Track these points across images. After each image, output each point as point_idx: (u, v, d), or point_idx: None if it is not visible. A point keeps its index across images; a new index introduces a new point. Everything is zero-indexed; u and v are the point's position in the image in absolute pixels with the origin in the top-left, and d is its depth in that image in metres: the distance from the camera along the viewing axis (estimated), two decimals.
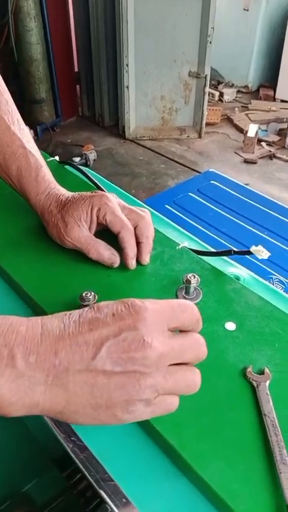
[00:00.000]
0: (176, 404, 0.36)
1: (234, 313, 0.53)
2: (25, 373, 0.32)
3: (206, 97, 3.31)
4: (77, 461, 0.42)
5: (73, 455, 0.43)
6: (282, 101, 4.03)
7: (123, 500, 0.39)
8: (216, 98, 4.12)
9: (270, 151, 3.26)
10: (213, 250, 0.68)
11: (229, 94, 4.11)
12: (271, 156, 3.23)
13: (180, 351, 0.35)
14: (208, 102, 3.47)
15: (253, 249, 0.57)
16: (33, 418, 0.42)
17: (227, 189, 1.18)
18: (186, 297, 0.55)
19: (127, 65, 3.16)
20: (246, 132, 3.25)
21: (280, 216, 1.10)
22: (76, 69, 3.87)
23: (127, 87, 3.28)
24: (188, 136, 3.50)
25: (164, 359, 0.33)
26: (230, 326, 0.51)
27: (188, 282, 0.53)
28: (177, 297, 0.55)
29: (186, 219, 1.10)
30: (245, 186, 1.32)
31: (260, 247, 0.57)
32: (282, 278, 0.93)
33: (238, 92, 4.26)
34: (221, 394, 0.44)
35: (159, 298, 0.54)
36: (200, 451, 0.40)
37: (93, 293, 0.51)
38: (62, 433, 0.45)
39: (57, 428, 0.45)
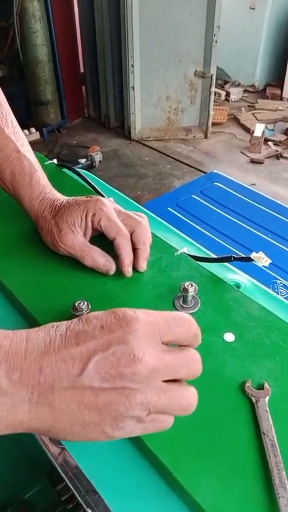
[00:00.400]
0: (171, 423, 0.34)
1: (233, 323, 0.51)
2: (8, 391, 0.30)
3: (212, 97, 3.29)
4: (66, 480, 0.40)
5: (62, 473, 0.41)
6: None
7: None
8: (223, 98, 4.08)
9: (277, 151, 3.22)
10: (213, 256, 0.66)
11: (235, 93, 4.08)
12: (278, 156, 3.20)
13: (173, 367, 0.33)
14: (214, 101, 3.44)
15: (254, 255, 0.55)
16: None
17: (231, 191, 1.16)
18: (184, 305, 0.53)
19: (132, 66, 3.15)
20: (253, 131, 3.22)
21: (285, 218, 1.08)
22: (82, 70, 3.86)
23: (132, 87, 3.26)
24: (194, 136, 3.47)
25: (156, 375, 0.32)
26: (229, 337, 0.49)
27: (185, 290, 0.51)
28: (174, 306, 0.53)
29: (189, 221, 1.08)
30: (251, 187, 1.30)
31: (260, 254, 0.55)
32: (286, 283, 0.90)
33: (245, 91, 4.23)
34: (218, 410, 0.42)
35: (156, 307, 0.53)
36: (193, 470, 0.38)
37: (86, 302, 0.49)
38: (51, 447, 0.43)
39: (46, 444, 0.43)
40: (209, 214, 1.08)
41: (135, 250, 0.57)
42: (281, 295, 0.77)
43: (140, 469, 0.40)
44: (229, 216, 1.10)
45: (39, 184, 0.60)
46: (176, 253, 0.61)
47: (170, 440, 0.40)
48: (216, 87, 3.57)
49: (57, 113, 3.86)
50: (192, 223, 1.08)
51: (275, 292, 0.61)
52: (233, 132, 3.59)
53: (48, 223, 0.58)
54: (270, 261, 0.54)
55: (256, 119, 3.63)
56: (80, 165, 3.34)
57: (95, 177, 0.86)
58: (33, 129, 3.76)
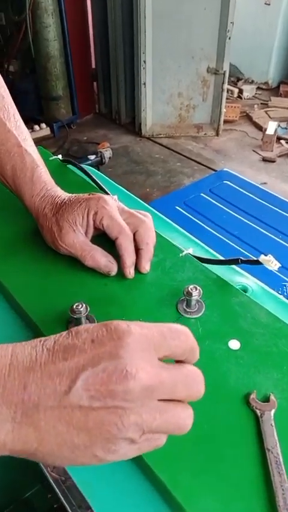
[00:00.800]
0: (164, 440, 0.32)
1: (239, 329, 0.48)
2: None
3: (225, 94, 3.24)
4: (59, 493, 0.38)
5: (54, 486, 0.39)
6: None
7: None
8: (235, 95, 4.03)
9: None
10: (220, 257, 0.64)
11: (248, 91, 4.02)
12: None
13: (171, 385, 0.30)
14: (227, 99, 3.39)
15: (262, 258, 0.52)
16: None
17: (241, 190, 1.13)
18: (187, 310, 0.50)
19: (144, 62, 3.11)
20: (265, 129, 3.16)
21: None
22: (93, 66, 3.84)
23: (144, 84, 3.23)
24: (205, 134, 3.43)
25: (151, 393, 0.29)
26: (234, 344, 0.47)
27: (189, 294, 0.49)
28: (177, 310, 0.50)
29: (197, 221, 1.06)
30: (262, 186, 1.27)
31: (269, 257, 0.52)
32: None
33: (258, 88, 4.17)
34: (220, 423, 0.40)
35: (159, 311, 0.51)
36: (192, 488, 0.36)
37: (84, 304, 0.47)
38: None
39: None
40: (218, 214, 1.05)
41: (138, 250, 0.55)
42: None
43: (136, 485, 0.38)
44: (239, 216, 1.07)
45: (41, 180, 0.58)
46: (180, 255, 0.58)
47: (168, 456, 0.37)
48: (228, 84, 3.52)
49: (68, 108, 3.84)
50: (200, 223, 1.05)
51: (285, 296, 0.58)
52: (245, 130, 3.54)
53: (49, 221, 0.56)
54: (280, 265, 0.51)
55: (269, 116, 3.57)
56: (90, 162, 3.32)
57: (100, 173, 0.84)
58: (43, 125, 3.75)
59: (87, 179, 0.75)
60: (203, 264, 0.57)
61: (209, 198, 1.11)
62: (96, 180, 0.73)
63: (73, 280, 0.55)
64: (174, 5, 2.91)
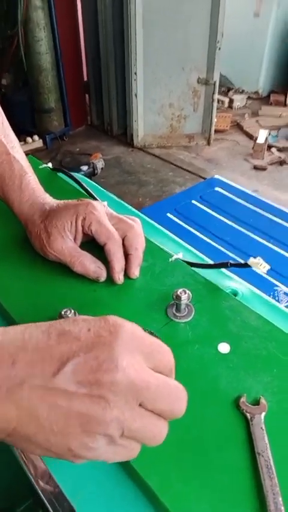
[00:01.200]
0: (137, 452, 0.31)
1: (228, 333, 0.48)
2: None
3: (215, 104, 3.27)
4: (46, 502, 0.38)
5: (42, 494, 0.38)
6: None
7: None
8: (226, 105, 4.07)
9: (280, 157, 3.20)
10: (210, 262, 0.64)
11: (239, 100, 4.07)
12: (281, 162, 3.17)
13: (155, 393, 0.29)
14: (217, 108, 3.43)
15: (251, 261, 0.52)
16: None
17: (232, 196, 1.13)
18: (177, 314, 0.50)
19: (135, 73, 3.15)
20: (256, 138, 3.20)
21: (286, 223, 1.05)
22: (85, 78, 3.88)
23: (135, 95, 3.26)
24: (196, 143, 3.46)
25: (136, 393, 0.28)
26: (224, 348, 0.46)
27: (178, 298, 0.48)
28: (166, 315, 0.50)
29: (188, 227, 1.06)
30: (252, 193, 1.27)
31: (258, 260, 0.52)
32: (287, 290, 0.87)
33: (248, 98, 4.22)
34: (210, 427, 0.39)
35: (148, 316, 0.50)
36: (181, 494, 0.35)
37: (73, 310, 0.47)
38: (33, 464, 0.41)
39: (26, 462, 0.40)
40: (209, 220, 1.06)
41: (127, 256, 0.55)
42: (282, 303, 0.74)
43: (125, 491, 0.37)
44: (229, 222, 1.07)
45: (29, 187, 0.58)
46: (170, 259, 0.58)
47: (156, 461, 0.37)
48: (219, 94, 3.56)
49: (61, 120, 3.86)
50: (191, 229, 1.05)
51: (275, 300, 0.58)
52: (236, 139, 3.58)
53: (38, 227, 0.55)
54: (269, 267, 0.51)
55: (259, 125, 3.61)
56: (82, 172, 3.34)
57: (91, 181, 0.84)
58: (36, 137, 3.77)
59: (78, 187, 0.75)
60: (193, 268, 0.57)
61: (200, 205, 1.11)
62: (86, 187, 0.73)
63: (62, 287, 0.54)
64: (164, 17, 2.96)
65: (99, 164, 3.41)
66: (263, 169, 3.12)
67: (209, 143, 3.45)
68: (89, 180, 0.85)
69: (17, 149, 0.61)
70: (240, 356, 0.45)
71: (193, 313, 0.50)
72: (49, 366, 0.28)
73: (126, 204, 0.78)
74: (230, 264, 0.55)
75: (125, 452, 0.30)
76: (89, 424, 0.27)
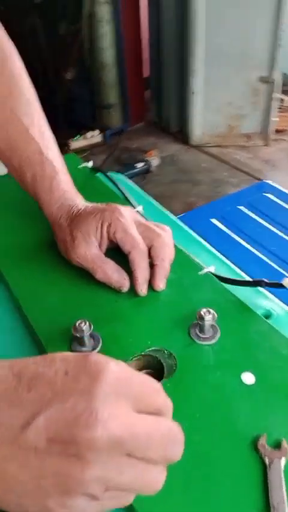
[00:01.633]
0: (132, 499, 0.28)
1: (255, 361, 0.43)
2: None
3: (276, 103, 3.13)
4: None
5: None
6: None
7: None
8: (287, 104, 3.89)
9: None
10: (246, 277, 0.59)
11: None
12: None
13: (144, 442, 0.25)
14: (278, 108, 3.28)
15: (286, 281, 0.47)
16: None
17: (283, 204, 1.06)
18: (200, 335, 0.46)
19: (194, 71, 3.08)
20: None
21: None
22: (146, 75, 3.87)
23: (193, 92, 3.20)
24: (254, 143, 3.34)
25: (120, 446, 0.24)
26: (248, 378, 0.42)
27: (201, 318, 0.44)
28: (189, 335, 0.46)
29: (232, 235, 1.00)
30: None
31: None
32: None
33: None
34: (221, 468, 0.35)
35: (169, 334, 0.47)
36: None
37: (88, 322, 0.44)
38: None
39: None
40: (256, 229, 0.99)
41: (152, 266, 0.51)
42: None
43: None
44: (278, 232, 1.00)
45: (59, 188, 0.57)
46: (200, 273, 0.54)
47: (159, 500, 0.33)
48: (280, 93, 3.40)
49: (120, 116, 3.89)
50: (235, 237, 1.00)
51: None
52: None
53: (63, 230, 0.54)
54: None
55: None
56: (137, 170, 3.34)
57: (131, 183, 0.82)
58: (96, 132, 3.82)
59: (115, 189, 0.72)
60: (224, 284, 0.53)
61: (246, 211, 1.05)
62: (123, 190, 0.70)
63: (83, 294, 0.52)
64: (226, 14, 2.86)
65: (154, 162, 3.39)
66: None
67: (267, 144, 3.31)
68: (129, 181, 0.82)
69: (51, 149, 0.59)
70: (265, 389, 0.41)
71: (218, 335, 0.46)
72: (17, 417, 0.24)
73: (164, 209, 0.74)
74: (265, 283, 0.50)
75: (115, 503, 0.27)
76: (66, 484, 0.24)
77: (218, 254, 0.65)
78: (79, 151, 3.67)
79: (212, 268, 0.55)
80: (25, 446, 0.24)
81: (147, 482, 0.26)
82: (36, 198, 0.58)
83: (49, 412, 0.24)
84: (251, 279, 0.54)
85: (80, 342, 0.45)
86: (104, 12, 3.25)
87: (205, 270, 0.54)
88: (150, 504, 0.33)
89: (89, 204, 0.55)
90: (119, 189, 0.71)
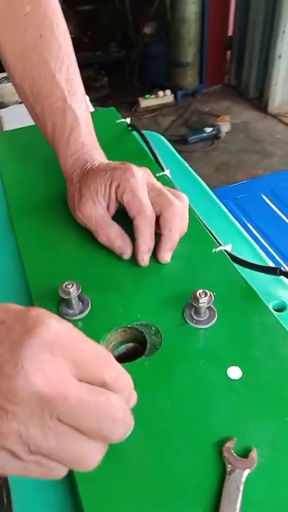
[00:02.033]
0: (62, 474, 0.26)
1: (247, 356, 0.39)
2: None
3: None
4: None
5: None
6: None
7: None
8: None
9: None
10: (271, 263, 0.53)
11: None
12: None
13: (75, 408, 0.24)
14: None
15: None
16: None
17: None
18: (195, 317, 0.42)
19: (283, 32, 2.83)
20: None
21: None
22: (230, 34, 3.62)
23: (279, 56, 2.96)
24: None
25: (47, 406, 0.23)
26: (234, 373, 0.38)
27: (196, 299, 0.40)
28: (183, 316, 0.42)
29: (281, 214, 0.92)
30: None
31: None
32: None
33: None
34: (176, 466, 0.32)
35: (163, 311, 0.43)
36: None
37: (75, 285, 0.42)
38: None
39: None
40: None
41: (159, 236, 0.47)
42: None
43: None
44: None
45: (78, 141, 0.53)
46: (214, 250, 0.49)
47: (100, 483, 0.31)
48: None
49: (195, 76, 3.71)
50: (284, 217, 0.92)
51: None
52: None
53: (74, 186, 0.51)
54: None
55: None
56: (205, 135, 3.21)
57: (169, 145, 0.76)
58: (168, 91, 3.69)
59: (147, 148, 0.68)
60: (237, 265, 0.48)
61: None
62: (155, 150, 0.66)
63: (85, 255, 0.50)
64: None
65: (225, 128, 3.23)
66: None
67: None
68: (168, 143, 0.77)
69: (77, 97, 0.56)
70: (249, 389, 0.36)
71: (214, 320, 0.42)
72: None
73: (197, 177, 0.69)
74: (281, 271, 0.44)
75: (42, 471, 0.25)
76: None
77: (245, 233, 0.59)
78: (148, 110, 3.58)
79: (228, 247, 0.50)
80: None
81: (77, 455, 0.25)
82: (54, 148, 0.55)
83: None
84: (270, 265, 0.48)
85: (67, 303, 0.43)
86: None
87: (220, 248, 0.49)
88: (90, 482, 0.31)
89: (104, 162, 0.51)
90: (150, 149, 0.66)
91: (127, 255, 0.47)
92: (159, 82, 3.78)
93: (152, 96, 3.63)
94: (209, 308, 0.42)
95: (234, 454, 0.32)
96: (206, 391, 0.36)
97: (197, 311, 0.42)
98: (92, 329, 0.42)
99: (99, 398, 0.24)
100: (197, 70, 3.67)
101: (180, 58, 3.49)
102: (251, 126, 3.30)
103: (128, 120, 0.75)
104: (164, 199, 0.47)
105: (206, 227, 0.53)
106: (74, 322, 0.43)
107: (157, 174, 0.60)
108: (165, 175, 0.61)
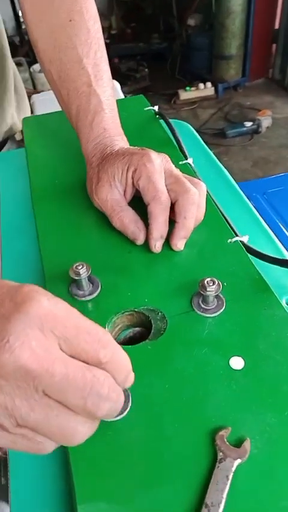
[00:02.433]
0: (49, 448, 0.26)
1: (252, 348, 0.38)
2: None
3: None
4: None
5: None
6: None
7: None
8: None
9: None
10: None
11: None
12: None
13: (61, 383, 0.24)
14: None
15: None
16: None
17: None
18: (202, 305, 0.42)
19: None
20: None
21: None
22: (276, 26, 3.53)
23: None
24: None
25: (33, 380, 0.24)
26: (237, 363, 0.37)
27: (203, 288, 0.40)
28: (191, 304, 0.42)
29: None
30: None
31: None
32: None
33: None
34: (167, 450, 0.32)
35: (171, 298, 0.43)
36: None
37: (86, 266, 0.42)
38: None
39: None
40: None
41: (173, 223, 0.47)
42: None
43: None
44: None
45: (100, 126, 0.54)
46: (229, 240, 0.48)
47: (95, 463, 0.32)
48: None
49: (238, 69, 3.65)
50: None
51: None
52: None
53: (93, 170, 0.51)
54: None
55: None
56: (244, 129, 3.15)
57: (196, 134, 0.75)
58: (209, 84, 3.65)
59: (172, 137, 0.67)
60: (252, 257, 0.47)
61: None
62: (179, 138, 0.65)
63: (100, 239, 0.50)
64: None
65: (265, 122, 3.16)
66: None
67: None
68: (195, 133, 0.76)
69: (103, 82, 0.56)
70: (250, 380, 0.36)
71: (221, 310, 0.41)
72: None
73: (222, 168, 0.67)
74: None
75: (30, 445, 0.26)
76: None
77: (266, 226, 0.58)
78: (187, 102, 3.55)
79: (244, 238, 0.49)
80: None
81: (64, 429, 0.25)
82: (77, 131, 0.56)
83: None
84: (285, 258, 0.47)
85: (77, 284, 0.44)
86: None
87: (235, 239, 0.49)
88: (82, 458, 0.32)
89: (124, 147, 0.51)
90: (175, 137, 0.65)
91: (140, 240, 0.47)
92: (201, 74, 3.74)
93: (193, 88, 3.60)
94: (217, 297, 0.41)
95: (227, 443, 0.32)
96: (206, 379, 0.36)
97: (205, 299, 0.41)
98: (100, 311, 0.42)
99: (86, 375, 0.25)
100: (240, 63, 3.60)
101: (223, 50, 3.43)
102: None
103: (156, 107, 0.74)
104: (181, 186, 0.46)
105: (224, 217, 0.52)
106: (84, 303, 0.43)
107: (180, 162, 0.59)
108: (188, 163, 0.60)
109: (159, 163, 0.47)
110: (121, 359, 0.28)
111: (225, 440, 0.32)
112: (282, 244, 0.56)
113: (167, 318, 0.41)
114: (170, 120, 0.69)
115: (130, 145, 0.54)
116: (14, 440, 0.25)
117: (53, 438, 0.26)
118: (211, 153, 0.71)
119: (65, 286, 0.45)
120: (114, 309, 0.43)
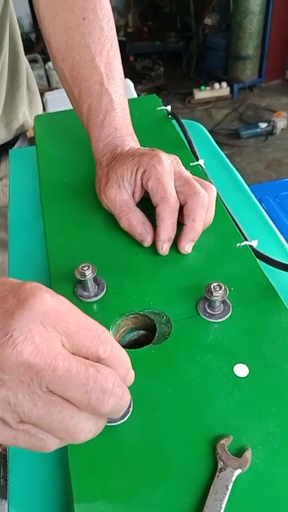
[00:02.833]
0: (51, 446, 0.26)
1: (258, 355, 0.37)
2: None
3: None
4: None
5: None
6: None
7: None
8: None
9: None
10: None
11: None
12: None
13: (64, 379, 0.24)
14: None
15: None
16: None
17: None
18: (208, 310, 0.41)
19: None
20: None
21: None
22: None
23: None
24: None
25: (36, 375, 0.24)
26: (241, 370, 0.37)
27: (210, 292, 0.39)
28: (197, 309, 0.42)
29: None
30: None
31: None
32: None
33: None
34: (168, 456, 0.32)
35: (177, 302, 0.42)
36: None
37: (91, 267, 0.42)
38: None
39: None
40: None
41: (182, 226, 0.46)
42: None
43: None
44: None
45: (111, 125, 0.53)
46: (238, 244, 0.48)
47: (91, 464, 0.32)
48: None
49: (255, 70, 3.62)
50: None
51: None
52: None
53: (102, 170, 0.51)
54: None
55: None
56: (259, 130, 3.12)
57: (208, 135, 0.75)
58: (224, 84, 3.62)
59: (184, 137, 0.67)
60: (262, 263, 0.46)
61: None
62: (191, 139, 0.64)
63: (107, 240, 0.50)
64: None
65: (281, 124, 3.13)
66: None
67: None
68: (208, 133, 0.75)
69: (115, 81, 0.56)
70: (254, 388, 0.35)
71: (228, 315, 0.41)
72: None
73: (234, 170, 0.67)
74: None
75: (32, 441, 0.26)
76: None
77: (276, 231, 0.57)
78: (202, 102, 3.53)
79: (254, 243, 0.48)
80: None
81: (67, 425, 0.25)
82: (87, 130, 0.55)
83: None
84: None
85: (83, 285, 0.43)
86: None
87: (244, 243, 0.48)
88: (80, 458, 0.31)
89: (134, 147, 0.51)
90: (187, 137, 0.65)
91: (147, 242, 0.47)
92: (216, 74, 3.72)
93: (208, 88, 3.58)
94: (223, 302, 0.41)
95: (228, 452, 0.31)
96: (209, 385, 0.36)
97: (211, 304, 0.41)
98: (105, 312, 0.42)
99: (89, 370, 0.25)
100: (257, 64, 3.58)
101: (240, 51, 3.41)
102: None
103: (168, 107, 0.74)
104: (190, 189, 0.46)
105: (234, 220, 0.51)
106: (89, 305, 0.43)
107: (191, 164, 0.59)
108: (199, 165, 0.59)
109: (169, 164, 0.47)
110: (120, 356, 0.28)
111: (226, 449, 0.31)
112: None
113: (172, 322, 0.41)
114: (183, 120, 0.69)
115: (141, 145, 0.54)
116: (16, 436, 0.25)
117: (56, 434, 0.26)
118: (223, 154, 0.70)
119: (70, 287, 0.45)
120: (119, 311, 0.42)
